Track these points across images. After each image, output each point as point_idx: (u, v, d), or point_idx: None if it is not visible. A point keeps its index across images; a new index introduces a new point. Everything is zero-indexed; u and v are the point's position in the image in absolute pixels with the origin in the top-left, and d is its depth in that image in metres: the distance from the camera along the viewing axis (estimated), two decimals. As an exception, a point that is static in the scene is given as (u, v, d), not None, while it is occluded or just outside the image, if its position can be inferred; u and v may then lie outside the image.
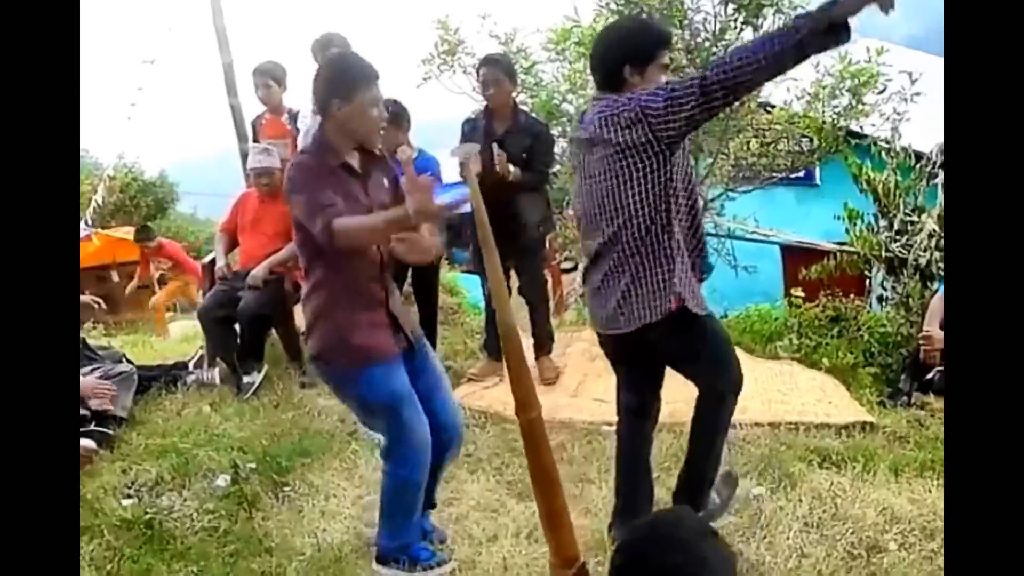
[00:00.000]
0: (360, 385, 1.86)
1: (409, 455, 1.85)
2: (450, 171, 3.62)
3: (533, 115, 3.63)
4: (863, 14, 1.60)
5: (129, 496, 2.37)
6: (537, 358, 3.33)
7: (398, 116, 3.12)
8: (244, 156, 4.00)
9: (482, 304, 3.47)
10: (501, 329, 1.31)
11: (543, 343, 3.33)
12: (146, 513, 2.23)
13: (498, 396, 3.15)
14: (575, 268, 6.08)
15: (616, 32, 2.01)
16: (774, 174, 4.25)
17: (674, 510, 1.05)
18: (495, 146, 2.99)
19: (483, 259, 3.28)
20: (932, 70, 4.07)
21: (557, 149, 3.97)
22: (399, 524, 1.93)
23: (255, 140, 3.74)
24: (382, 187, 1.89)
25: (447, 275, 5.04)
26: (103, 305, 3.61)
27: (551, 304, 3.49)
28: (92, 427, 2.68)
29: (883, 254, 4.00)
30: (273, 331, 3.52)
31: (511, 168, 3.00)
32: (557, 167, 3.53)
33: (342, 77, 1.82)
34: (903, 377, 3.20)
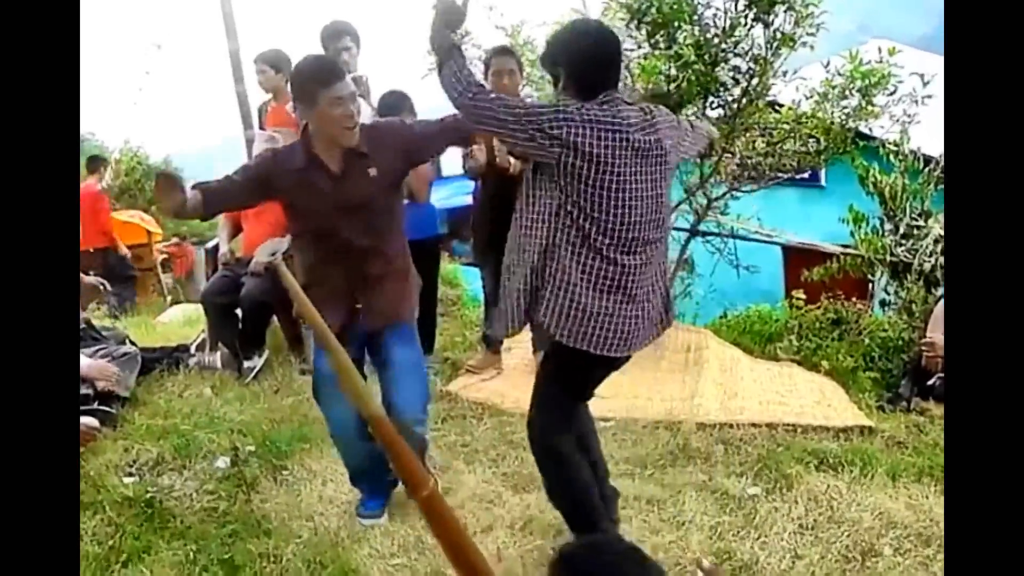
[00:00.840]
0: None
1: (328, 416, 2.14)
2: (450, 163, 3.61)
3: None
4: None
5: (131, 474, 2.39)
6: (535, 352, 3.34)
7: (399, 107, 3.12)
8: (249, 143, 3.99)
9: (481, 296, 3.47)
10: (368, 419, 1.14)
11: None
12: (147, 492, 2.25)
13: (496, 388, 3.16)
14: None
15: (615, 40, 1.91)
16: (780, 174, 4.22)
17: (599, 537, 1.00)
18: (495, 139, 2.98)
19: (482, 260, 3.31)
20: (944, 73, 4.03)
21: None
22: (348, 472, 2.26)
23: (261, 128, 3.73)
24: (365, 182, 1.96)
25: (448, 267, 5.05)
26: (108, 287, 3.62)
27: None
28: (95, 406, 2.71)
29: (887, 258, 3.99)
30: (274, 318, 3.53)
31: (511, 160, 2.99)
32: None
33: (302, 84, 1.90)
34: (904, 382, 3.20)
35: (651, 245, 1.79)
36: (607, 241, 1.73)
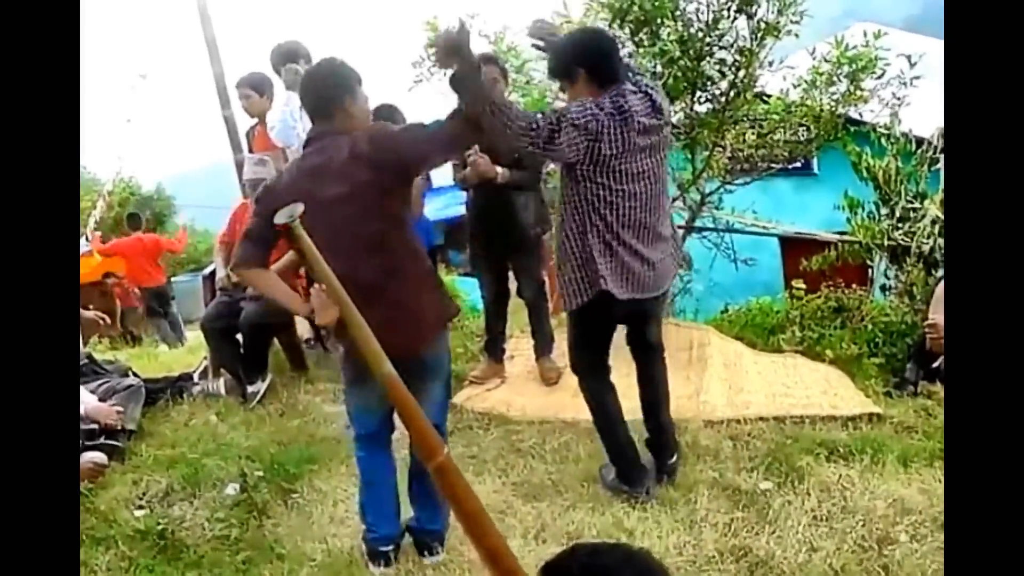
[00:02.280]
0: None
1: None
2: (440, 175, 3.61)
3: (522, 114, 3.60)
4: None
5: (141, 507, 2.39)
6: (538, 359, 3.33)
7: (391, 119, 3.12)
8: (239, 167, 4.00)
9: (481, 306, 3.46)
10: (380, 380, 1.15)
11: (543, 344, 3.32)
12: (158, 523, 2.25)
13: (501, 398, 3.15)
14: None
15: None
16: (772, 165, 4.21)
17: (620, 547, 0.97)
18: (475, 147, 2.99)
19: (478, 269, 3.33)
20: (932, 53, 4.02)
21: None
22: None
23: (250, 151, 3.74)
24: None
25: (445, 279, 5.03)
26: (107, 320, 3.62)
27: (549, 304, 3.48)
28: (102, 440, 2.70)
29: (885, 242, 3.96)
30: (275, 340, 3.53)
31: (498, 169, 2.99)
32: (551, 166, 3.51)
33: (346, 76, 1.98)
34: (909, 366, 3.17)
35: (650, 225, 2.14)
36: (620, 219, 2.09)
